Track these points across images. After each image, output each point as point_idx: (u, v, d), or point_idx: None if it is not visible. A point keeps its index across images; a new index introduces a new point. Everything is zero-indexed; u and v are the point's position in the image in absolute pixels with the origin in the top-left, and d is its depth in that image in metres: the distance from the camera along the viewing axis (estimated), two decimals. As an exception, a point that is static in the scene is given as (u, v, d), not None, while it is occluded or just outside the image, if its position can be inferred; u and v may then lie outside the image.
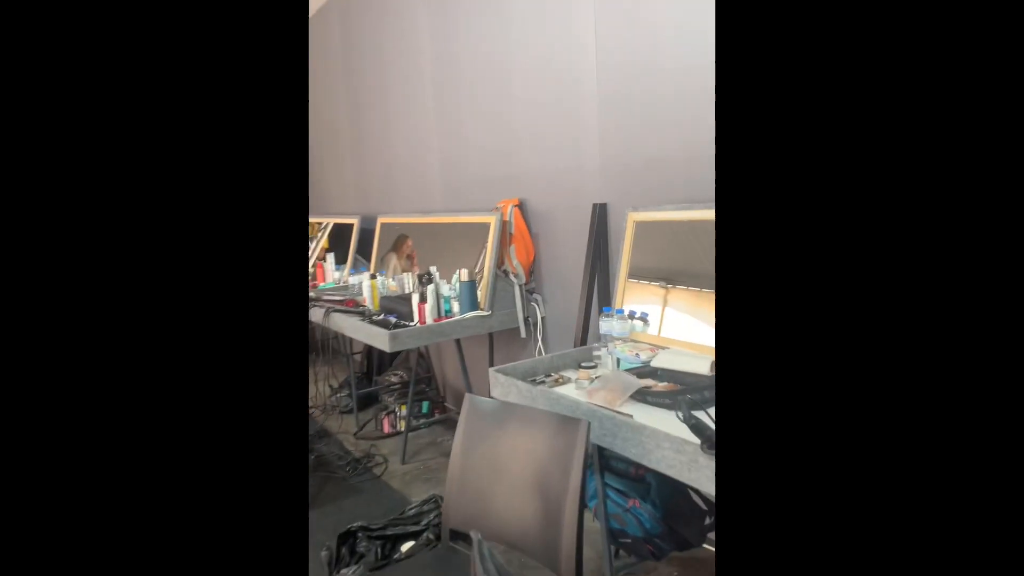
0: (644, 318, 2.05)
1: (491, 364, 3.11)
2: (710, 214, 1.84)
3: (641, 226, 2.07)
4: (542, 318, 2.80)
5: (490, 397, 1.86)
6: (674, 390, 1.70)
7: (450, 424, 3.41)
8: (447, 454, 3.09)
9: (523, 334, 2.79)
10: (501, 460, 1.50)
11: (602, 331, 2.05)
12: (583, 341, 2.37)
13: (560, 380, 1.95)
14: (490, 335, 3.02)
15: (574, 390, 1.88)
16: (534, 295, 2.82)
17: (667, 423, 1.49)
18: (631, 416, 1.60)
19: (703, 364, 1.75)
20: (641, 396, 1.71)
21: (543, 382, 1.93)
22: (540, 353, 2.81)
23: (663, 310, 1.99)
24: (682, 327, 1.92)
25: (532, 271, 2.82)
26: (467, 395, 1.59)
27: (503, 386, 1.85)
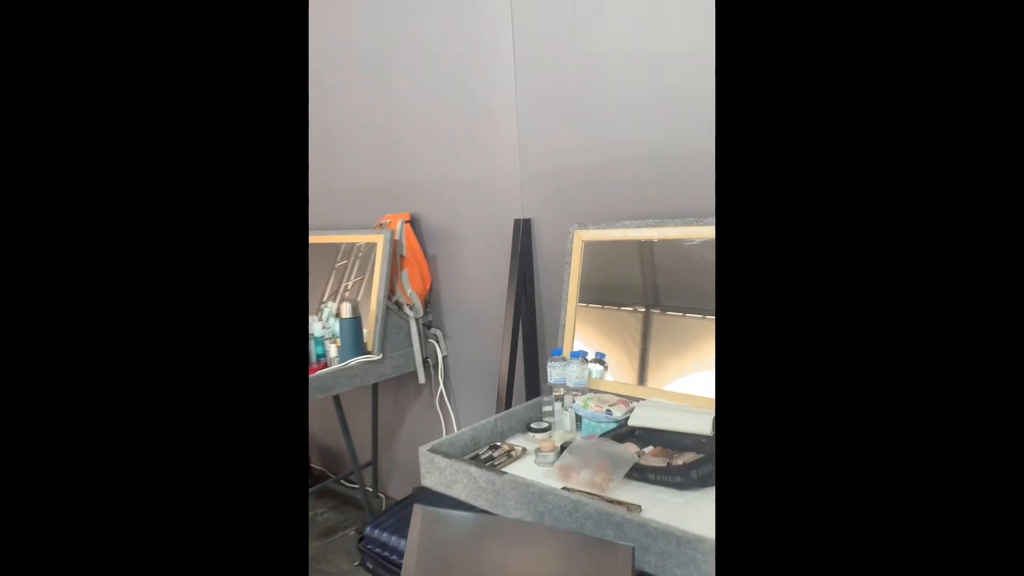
0: (601, 359, 1.66)
1: (375, 415, 2.54)
2: (681, 232, 1.49)
3: (592, 247, 1.68)
4: (443, 358, 2.31)
5: (417, 489, 1.35)
6: (677, 463, 1.32)
7: (323, 493, 2.76)
8: (327, 534, 2.46)
9: (421, 379, 2.27)
10: (482, 605, 1.00)
11: (552, 379, 1.62)
12: (510, 389, 1.92)
13: (513, 453, 1.48)
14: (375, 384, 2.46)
15: (535, 467, 1.42)
16: (432, 330, 2.31)
17: (691, 517, 1.10)
18: (639, 508, 1.19)
19: (699, 420, 1.39)
20: (639, 473, 1.30)
21: (491, 457, 1.45)
22: (443, 399, 2.32)
23: (631, 349, 1.61)
24: (656, 370, 1.55)
25: (428, 301, 2.31)
26: (418, 507, 1.07)
27: (444, 473, 1.35)
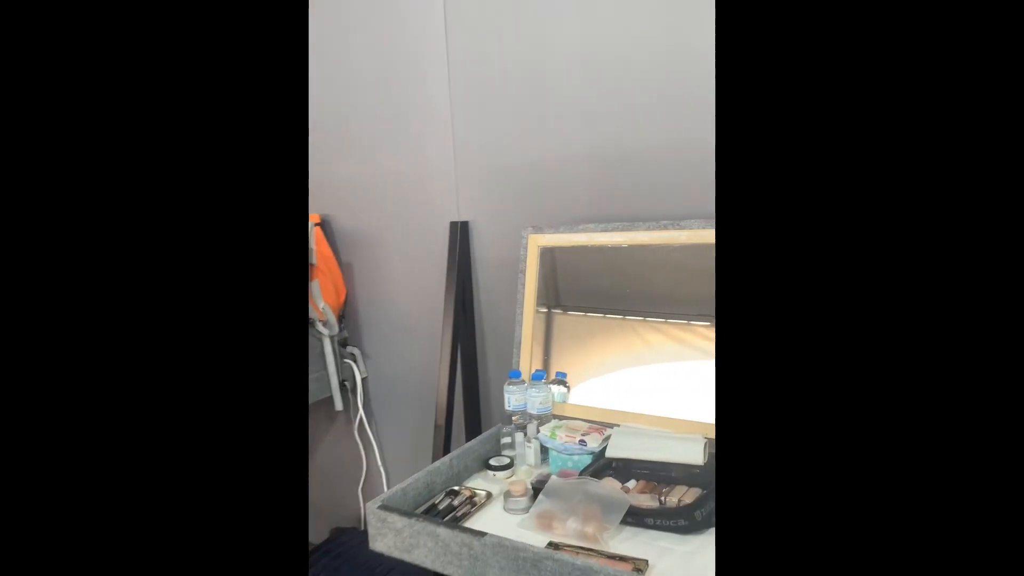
0: (563, 380, 1.47)
1: (279, 448, 2.20)
2: (655, 236, 1.34)
3: (550, 254, 1.49)
4: (363, 380, 2.02)
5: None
6: (670, 501, 1.15)
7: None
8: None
9: (338, 406, 1.97)
10: None
11: (511, 407, 1.41)
12: (449, 416, 1.68)
13: (476, 499, 1.26)
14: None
15: (505, 515, 1.21)
16: (348, 349, 2.02)
17: (706, 570, 0.94)
18: (646, 563, 1.01)
19: (688, 448, 1.24)
20: (634, 518, 1.12)
21: (452, 507, 1.22)
22: (363, 426, 2.03)
23: (599, 367, 1.43)
24: (628, 391, 1.38)
25: (343, 316, 2.02)
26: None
27: (401, 535, 1.10)
